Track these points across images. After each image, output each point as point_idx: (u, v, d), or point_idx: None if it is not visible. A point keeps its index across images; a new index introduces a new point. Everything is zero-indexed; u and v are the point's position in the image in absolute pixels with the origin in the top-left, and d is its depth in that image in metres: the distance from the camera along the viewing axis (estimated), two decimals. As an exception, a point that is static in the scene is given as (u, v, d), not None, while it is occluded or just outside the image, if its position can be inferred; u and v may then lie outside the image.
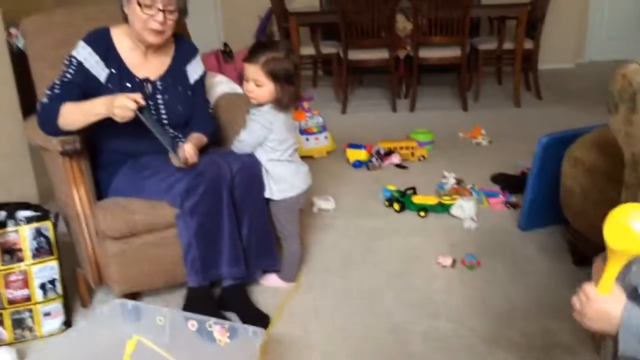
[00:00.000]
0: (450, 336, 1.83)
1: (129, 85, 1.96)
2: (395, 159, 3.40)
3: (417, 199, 2.74)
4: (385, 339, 1.83)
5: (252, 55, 1.93)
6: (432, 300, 2.02)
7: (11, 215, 1.96)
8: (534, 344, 1.79)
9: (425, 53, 4.51)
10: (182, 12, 1.95)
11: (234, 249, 1.92)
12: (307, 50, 4.87)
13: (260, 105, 1.97)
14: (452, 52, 4.48)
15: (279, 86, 1.92)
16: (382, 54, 4.56)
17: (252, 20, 5.96)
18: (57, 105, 1.85)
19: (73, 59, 1.90)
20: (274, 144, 1.98)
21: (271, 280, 2.15)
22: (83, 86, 1.89)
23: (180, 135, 2.05)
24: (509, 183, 3.00)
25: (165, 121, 2.02)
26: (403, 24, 4.59)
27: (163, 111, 2.02)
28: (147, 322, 1.50)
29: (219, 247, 1.91)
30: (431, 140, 3.66)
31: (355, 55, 4.58)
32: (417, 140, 3.62)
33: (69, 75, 1.89)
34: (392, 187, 2.97)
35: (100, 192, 1.99)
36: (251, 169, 1.98)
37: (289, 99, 1.96)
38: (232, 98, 2.32)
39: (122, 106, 1.74)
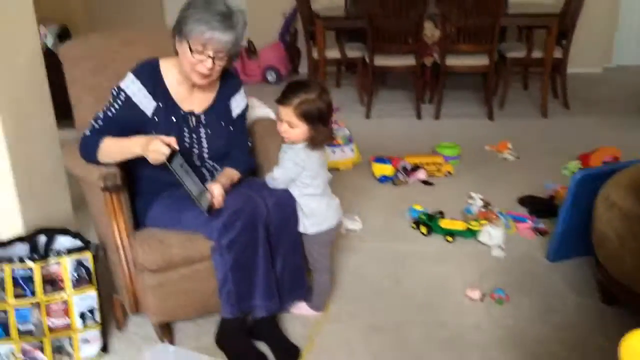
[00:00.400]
0: (481, 379, 1.86)
1: (174, 119, 1.98)
2: (421, 174, 3.40)
3: (444, 224, 2.75)
4: (415, 380, 1.86)
5: (285, 97, 1.95)
6: (462, 338, 2.04)
7: (50, 241, 2.02)
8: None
9: (452, 61, 4.48)
10: (233, 57, 1.96)
11: (268, 283, 1.95)
12: (332, 53, 4.85)
13: (293, 142, 1.99)
14: (479, 61, 4.45)
15: (313, 127, 1.94)
16: (408, 61, 4.53)
17: (276, 18, 5.94)
18: (98, 139, 1.89)
19: (122, 92, 1.92)
20: (307, 180, 2.00)
21: (301, 309, 2.18)
22: (128, 120, 1.92)
23: (217, 168, 2.08)
24: (537, 207, 2.99)
25: (206, 154, 2.05)
26: (431, 31, 4.55)
27: (205, 145, 2.04)
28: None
29: (254, 281, 1.94)
30: (457, 154, 3.66)
31: (381, 61, 4.56)
32: (443, 154, 3.62)
33: (113, 110, 1.92)
34: (418, 207, 2.98)
35: (136, 218, 2.02)
36: (286, 204, 2.00)
37: (322, 138, 1.98)
38: (266, 125, 2.33)
39: (156, 150, 1.77)
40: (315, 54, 4.87)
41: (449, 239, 2.70)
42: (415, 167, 3.44)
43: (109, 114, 1.93)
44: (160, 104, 1.97)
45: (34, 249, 2.01)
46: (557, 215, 2.82)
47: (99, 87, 2.16)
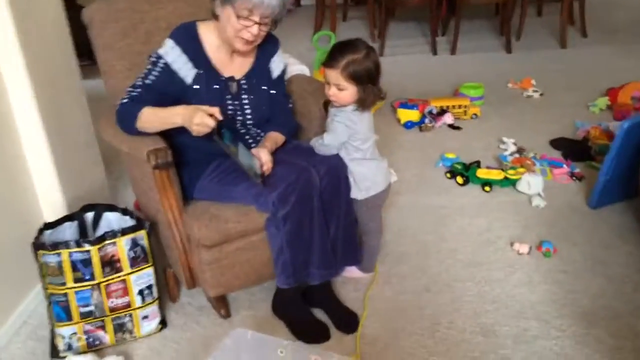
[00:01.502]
0: (540, 337, 1.88)
1: (216, 86, 1.89)
2: (448, 118, 3.33)
3: (481, 173, 2.71)
4: (477, 342, 1.88)
5: (331, 59, 1.85)
6: (514, 297, 2.05)
7: (98, 218, 1.97)
8: (624, 346, 1.84)
9: (470, -8, 4.29)
10: (277, 22, 1.86)
11: (324, 252, 1.93)
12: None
13: (342, 105, 1.91)
14: (498, -9, 4.27)
15: (362, 88, 1.86)
16: (424, -7, 4.34)
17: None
18: (137, 109, 1.80)
19: (160, 60, 1.82)
20: (357, 144, 1.94)
21: (352, 272, 2.18)
22: (168, 88, 1.83)
23: (261, 133, 2.01)
24: (570, 150, 2.96)
25: (250, 121, 1.97)
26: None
27: (248, 110, 1.96)
28: (267, 353, 1.54)
29: (310, 251, 1.92)
30: (482, 95, 3.57)
31: (395, -7, 4.36)
32: (468, 95, 3.53)
33: (153, 77, 1.82)
34: (451, 155, 2.94)
35: (184, 190, 1.97)
36: (338, 171, 1.95)
37: (372, 98, 1.90)
38: (303, 83, 2.23)
39: (201, 124, 1.70)
40: (322, -14, 4.65)
41: (487, 189, 2.68)
42: (442, 111, 3.37)
43: (148, 81, 1.83)
44: (201, 71, 1.87)
45: (82, 227, 1.96)
46: (591, 158, 2.82)
47: (129, 51, 2.05)
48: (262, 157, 1.83)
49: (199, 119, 1.70)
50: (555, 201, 2.58)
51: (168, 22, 2.08)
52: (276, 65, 2.03)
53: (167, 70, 1.83)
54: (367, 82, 1.86)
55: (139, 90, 1.83)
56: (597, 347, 1.83)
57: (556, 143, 3.04)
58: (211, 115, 1.72)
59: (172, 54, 1.83)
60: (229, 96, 1.92)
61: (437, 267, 2.22)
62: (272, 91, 2.01)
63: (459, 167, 2.78)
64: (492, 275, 2.17)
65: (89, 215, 1.98)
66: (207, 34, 1.88)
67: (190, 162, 1.97)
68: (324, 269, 1.96)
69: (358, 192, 1.98)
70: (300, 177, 1.85)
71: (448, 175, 2.80)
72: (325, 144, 1.93)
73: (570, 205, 2.56)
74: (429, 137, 3.23)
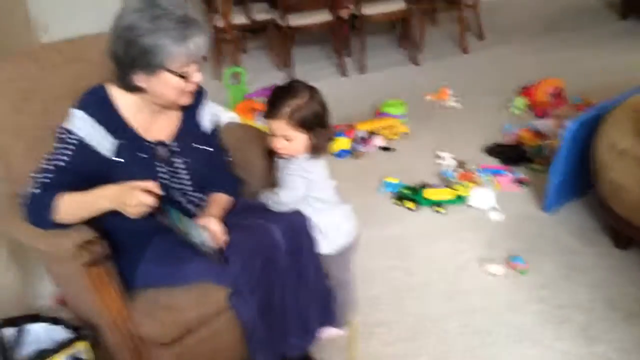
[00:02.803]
0: (546, 365, 1.75)
1: (143, 155, 1.60)
2: (378, 141, 3.21)
3: (430, 194, 2.59)
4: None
5: (273, 109, 1.64)
6: (506, 324, 1.92)
7: (21, 333, 1.61)
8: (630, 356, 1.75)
9: (369, 10, 4.24)
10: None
11: (300, 317, 1.70)
12: (238, 19, 4.42)
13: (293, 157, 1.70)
14: (397, 6, 4.26)
15: (312, 134, 1.66)
16: (324, 16, 4.24)
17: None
18: (51, 198, 1.47)
19: (71, 136, 1.50)
20: (317, 194, 1.73)
21: (328, 332, 1.94)
22: (85, 168, 1.52)
23: (203, 198, 1.74)
24: (507, 155, 2.92)
25: (189, 187, 1.69)
26: (341, -19, 4.26)
27: (185, 176, 1.68)
28: None
29: (285, 320, 1.67)
30: (405, 112, 3.49)
31: (295, 20, 4.22)
32: (391, 114, 3.44)
33: (64, 158, 1.50)
34: (393, 180, 2.80)
35: (123, 281, 1.66)
36: (300, 227, 1.72)
37: (325, 142, 1.70)
38: (237, 132, 1.99)
39: (138, 204, 1.43)
40: (217, 22, 4.40)
41: (440, 209, 2.56)
42: (370, 134, 3.24)
43: (59, 163, 1.51)
44: (122, 141, 1.58)
45: (1, 349, 1.59)
46: (529, 160, 2.80)
47: (26, 128, 1.70)
48: (211, 228, 1.56)
49: (135, 200, 1.42)
50: (510, 211, 2.50)
51: (68, 88, 1.74)
52: (206, 117, 1.77)
53: (81, 147, 1.51)
54: (317, 126, 1.66)
55: (49, 175, 1.50)
56: (605, 364, 1.73)
57: (491, 150, 3.00)
58: (148, 192, 1.44)
59: (84, 127, 1.52)
60: (160, 164, 1.64)
61: (417, 306, 2.05)
62: (207, 148, 1.75)
63: (407, 191, 2.65)
64: (474, 304, 2.02)
65: (9, 332, 1.61)
66: (121, 96, 1.59)
67: (125, 247, 1.65)
68: (303, 337, 1.73)
69: (327, 246, 1.77)
70: (261, 239, 1.61)
71: (396, 201, 2.66)
72: (281, 201, 1.70)
73: (526, 213, 2.49)
74: (363, 164, 3.08)
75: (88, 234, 1.48)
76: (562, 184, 2.38)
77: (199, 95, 1.75)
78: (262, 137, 1.92)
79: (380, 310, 2.05)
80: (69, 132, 1.51)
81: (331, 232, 1.76)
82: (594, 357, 1.76)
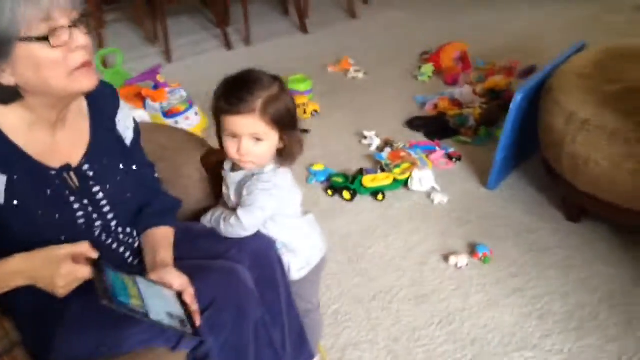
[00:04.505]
0: (544, 369, 1.60)
1: (47, 190, 1.13)
2: (289, 122, 2.86)
3: (368, 181, 2.33)
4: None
5: (238, 102, 1.25)
6: (488, 326, 1.74)
7: None
8: (627, 346, 1.65)
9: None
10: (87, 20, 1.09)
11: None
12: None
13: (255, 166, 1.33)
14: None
15: (286, 134, 1.30)
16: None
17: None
18: None
19: None
20: (288, 211, 1.39)
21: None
22: None
23: (133, 234, 1.31)
24: (430, 129, 2.75)
25: (113, 222, 1.25)
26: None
27: (106, 209, 1.23)
28: None
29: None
30: (311, 87, 3.17)
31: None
32: (298, 90, 3.10)
33: None
34: (319, 167, 2.50)
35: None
36: (268, 256, 1.37)
37: (297, 146, 1.35)
38: (159, 137, 1.56)
39: (71, 280, 1.03)
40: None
41: (380, 197, 2.32)
42: (280, 116, 2.88)
43: None
44: (14, 175, 1.10)
45: None
46: (455, 132, 2.66)
47: None
48: (174, 285, 1.16)
49: (66, 275, 1.01)
50: (452, 192, 2.33)
51: None
52: (124, 125, 1.32)
53: None
54: (289, 126, 1.31)
55: None
56: (602, 356, 1.62)
57: (412, 124, 2.81)
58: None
59: None
60: (72, 198, 1.18)
61: (387, 318, 1.80)
62: (132, 166, 1.31)
63: (340, 180, 2.36)
64: (448, 306, 1.82)
65: None
66: (3, 113, 1.09)
67: (34, 315, 1.19)
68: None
69: (297, 270, 1.44)
70: (229, 285, 1.24)
71: (329, 192, 2.37)
72: (244, 226, 1.32)
73: (469, 192, 2.34)
74: (279, 151, 2.72)
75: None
76: (505, 159, 2.25)
77: (110, 93, 1.30)
78: (194, 142, 1.52)
79: (347, 328, 1.77)
80: None
81: (302, 250, 1.43)
82: (590, 351, 1.64)
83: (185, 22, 4.35)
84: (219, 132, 1.33)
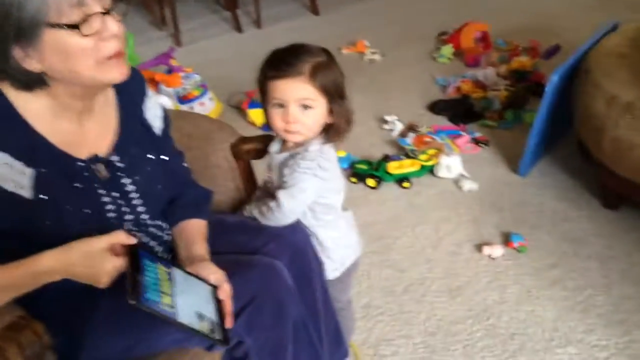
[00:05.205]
0: (590, 366, 1.53)
1: (76, 184, 1.05)
2: (307, 107, 2.77)
3: (394, 168, 2.24)
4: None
5: (285, 66, 1.17)
6: (528, 320, 1.67)
7: None
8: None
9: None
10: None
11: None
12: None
13: (298, 144, 1.25)
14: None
15: (334, 106, 1.22)
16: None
17: None
18: None
19: None
20: (329, 200, 1.30)
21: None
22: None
23: (163, 226, 1.24)
24: (455, 112, 2.65)
25: (145, 215, 1.17)
26: None
27: (137, 201, 1.15)
28: None
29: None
30: (327, 69, 3.07)
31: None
32: (315, 74, 3.00)
33: None
34: (340, 153, 2.41)
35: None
36: (305, 252, 1.29)
37: (346, 121, 1.26)
38: (185, 126, 1.47)
39: (111, 273, 0.97)
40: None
41: (406, 184, 2.23)
42: (297, 100, 2.79)
43: None
44: (42, 169, 1.01)
45: None
46: (480, 116, 2.58)
47: None
48: (210, 280, 1.08)
49: (111, 273, 0.97)
50: (481, 178, 2.24)
51: None
52: (152, 112, 1.23)
53: None
54: (338, 97, 1.22)
55: None
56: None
57: (435, 108, 2.71)
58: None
59: None
60: (101, 190, 1.10)
61: (421, 311, 1.72)
62: (161, 155, 1.23)
63: (365, 167, 2.28)
64: (484, 299, 1.75)
65: None
66: (27, 100, 1.00)
67: (64, 317, 1.12)
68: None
69: (333, 270, 1.36)
70: (270, 282, 1.16)
71: (353, 179, 2.28)
72: (284, 210, 1.23)
73: (500, 179, 2.25)
74: (298, 137, 2.64)
75: (11, 313, 0.95)
76: (537, 145, 2.16)
77: (138, 80, 1.22)
78: (222, 130, 1.43)
79: (379, 322, 1.70)
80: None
81: (337, 249, 1.35)
82: (637, 346, 1.57)
83: (193, 5, 4.23)
84: (265, 105, 1.24)
